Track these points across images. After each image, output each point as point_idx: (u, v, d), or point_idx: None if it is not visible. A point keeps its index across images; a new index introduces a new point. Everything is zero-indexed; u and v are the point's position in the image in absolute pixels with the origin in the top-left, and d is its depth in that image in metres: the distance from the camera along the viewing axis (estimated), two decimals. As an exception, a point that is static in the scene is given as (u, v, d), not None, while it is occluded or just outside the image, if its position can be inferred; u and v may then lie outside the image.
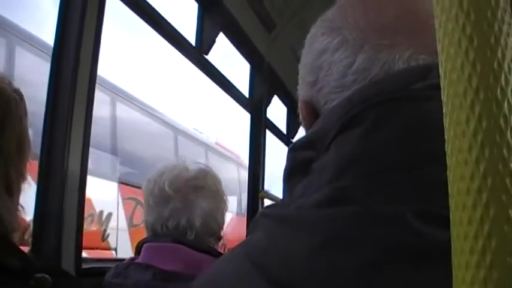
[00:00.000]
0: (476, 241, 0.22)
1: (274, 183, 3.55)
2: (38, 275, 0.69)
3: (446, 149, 0.24)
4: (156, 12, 1.96)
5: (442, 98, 0.25)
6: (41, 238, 1.35)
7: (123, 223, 6.25)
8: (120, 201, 6.21)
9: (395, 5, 0.58)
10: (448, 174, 0.24)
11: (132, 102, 6.84)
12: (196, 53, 2.35)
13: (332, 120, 0.50)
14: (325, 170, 0.47)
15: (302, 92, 0.62)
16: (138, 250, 1.41)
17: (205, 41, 2.39)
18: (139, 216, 5.66)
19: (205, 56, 2.41)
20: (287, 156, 0.55)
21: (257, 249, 0.47)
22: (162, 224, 1.40)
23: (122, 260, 1.43)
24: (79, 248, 1.43)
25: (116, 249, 6.06)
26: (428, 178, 0.43)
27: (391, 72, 0.52)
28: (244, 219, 4.72)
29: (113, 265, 1.38)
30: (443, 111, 0.25)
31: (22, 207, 0.81)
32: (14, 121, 0.77)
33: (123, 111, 6.57)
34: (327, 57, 0.58)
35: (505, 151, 0.22)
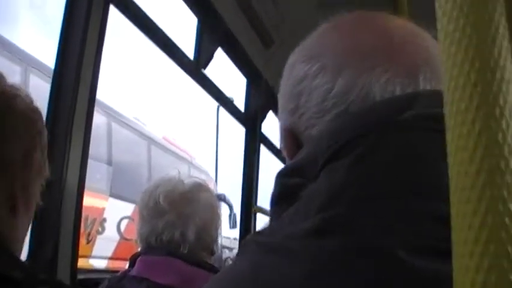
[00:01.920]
0: (477, 274, 0.24)
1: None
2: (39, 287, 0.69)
3: (450, 186, 0.26)
4: (155, 25, 1.98)
5: (447, 138, 0.27)
6: (38, 248, 1.36)
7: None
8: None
9: (369, 31, 0.59)
10: (451, 210, 0.26)
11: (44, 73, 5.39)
12: (194, 67, 2.37)
13: (321, 148, 0.50)
14: (314, 199, 0.47)
15: (282, 121, 0.63)
16: (132, 263, 1.42)
17: (203, 55, 2.41)
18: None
19: (203, 71, 2.43)
20: (275, 181, 0.55)
21: (245, 278, 0.46)
22: (156, 237, 1.40)
23: (116, 271, 1.44)
24: (75, 259, 1.44)
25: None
26: (417, 210, 0.43)
27: (382, 100, 0.53)
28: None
29: (107, 276, 1.38)
30: (448, 150, 0.26)
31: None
32: (19, 132, 0.75)
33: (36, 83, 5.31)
34: (306, 84, 0.58)
35: (505, 192, 0.24)
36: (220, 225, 1.57)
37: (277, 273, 0.43)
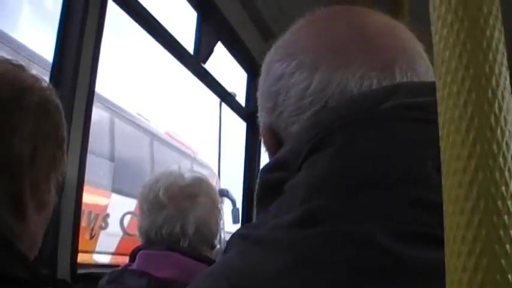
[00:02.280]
0: (469, 259, 0.23)
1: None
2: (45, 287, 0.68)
3: (442, 170, 0.26)
4: (155, 20, 1.97)
5: (438, 121, 0.26)
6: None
7: None
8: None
9: (344, 25, 0.59)
10: (443, 195, 0.25)
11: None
12: (194, 62, 2.36)
13: (302, 141, 0.51)
14: (297, 191, 0.47)
15: (262, 119, 0.63)
16: (132, 257, 1.42)
17: (203, 49, 2.40)
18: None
19: (203, 65, 2.42)
20: (259, 178, 0.55)
21: (233, 269, 0.46)
22: (156, 231, 1.41)
23: (117, 266, 1.44)
24: (75, 253, 1.44)
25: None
26: (398, 197, 0.43)
27: (360, 93, 0.53)
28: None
29: (108, 271, 1.39)
30: (440, 134, 0.26)
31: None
32: (29, 125, 0.70)
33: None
34: (284, 82, 0.59)
35: (497, 175, 0.23)
36: (221, 219, 1.57)
37: (263, 263, 0.44)
